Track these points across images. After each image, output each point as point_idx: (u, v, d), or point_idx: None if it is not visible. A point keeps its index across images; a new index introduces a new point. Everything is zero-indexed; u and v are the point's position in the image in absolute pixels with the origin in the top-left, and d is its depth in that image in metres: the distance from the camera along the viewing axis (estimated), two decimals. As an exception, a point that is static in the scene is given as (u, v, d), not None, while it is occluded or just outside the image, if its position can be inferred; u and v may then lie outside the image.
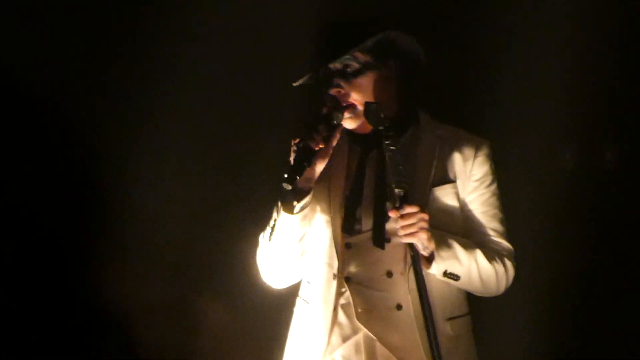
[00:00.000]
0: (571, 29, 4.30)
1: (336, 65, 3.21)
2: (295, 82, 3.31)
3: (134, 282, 4.51)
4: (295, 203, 3.19)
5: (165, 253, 4.53)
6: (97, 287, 4.47)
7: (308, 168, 3.13)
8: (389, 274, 3.24)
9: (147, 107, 4.43)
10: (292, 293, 3.45)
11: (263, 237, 3.29)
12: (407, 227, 3.07)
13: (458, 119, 3.46)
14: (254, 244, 3.35)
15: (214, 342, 4.55)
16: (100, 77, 4.44)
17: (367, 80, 3.21)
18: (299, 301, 3.41)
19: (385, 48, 3.23)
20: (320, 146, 3.15)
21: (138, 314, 4.50)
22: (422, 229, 3.07)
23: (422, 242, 3.11)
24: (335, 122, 3.18)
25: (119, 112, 4.47)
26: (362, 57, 3.21)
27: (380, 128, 3.10)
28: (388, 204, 3.18)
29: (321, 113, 3.20)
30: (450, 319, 3.25)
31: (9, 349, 4.39)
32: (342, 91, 3.21)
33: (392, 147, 3.08)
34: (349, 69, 3.21)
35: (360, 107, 3.19)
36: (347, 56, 3.19)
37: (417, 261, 3.10)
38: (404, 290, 3.21)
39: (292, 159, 3.20)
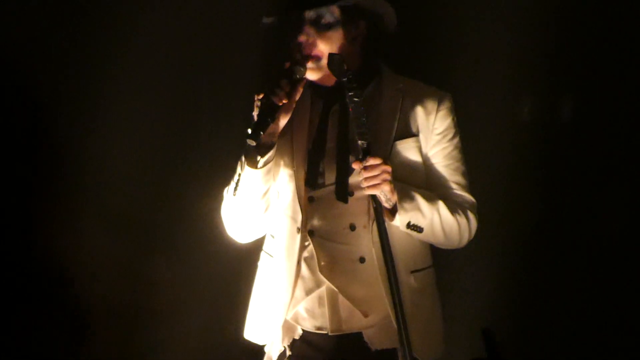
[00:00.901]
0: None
1: (310, 13, 3.19)
2: (266, 18, 3.28)
3: (86, 239, 4.48)
4: (258, 158, 3.19)
5: (120, 209, 4.50)
6: (46, 245, 4.44)
7: (272, 123, 3.12)
8: (352, 227, 3.25)
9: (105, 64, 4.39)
10: (255, 247, 3.46)
11: (227, 192, 3.28)
12: (370, 179, 3.08)
13: (415, 71, 3.47)
14: (218, 198, 3.34)
15: (172, 298, 4.54)
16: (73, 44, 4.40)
17: (336, 35, 3.21)
18: (263, 255, 3.42)
19: (361, 8, 3.23)
20: (284, 101, 3.14)
21: (90, 271, 4.48)
22: (385, 180, 3.09)
23: (385, 194, 3.12)
24: (297, 76, 3.16)
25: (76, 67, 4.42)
26: (338, 12, 3.20)
27: (344, 79, 3.10)
28: (351, 157, 3.19)
29: (283, 68, 3.18)
30: (414, 271, 3.28)
31: None
32: (310, 40, 3.20)
33: (355, 99, 3.08)
34: (321, 20, 3.20)
35: (325, 59, 3.18)
36: (324, 8, 3.18)
37: (380, 213, 3.12)
38: (367, 243, 3.23)
39: (255, 114, 3.18)
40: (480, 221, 3.31)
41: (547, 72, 4.41)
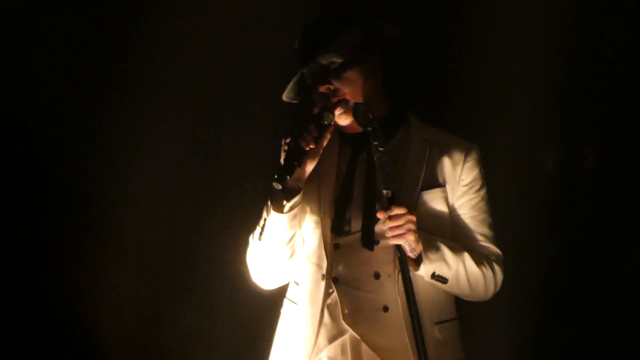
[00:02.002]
0: (552, 31, 4.31)
1: (321, 63, 3.19)
2: (283, 94, 3.28)
3: (106, 278, 4.48)
4: (285, 202, 3.18)
5: (142, 248, 4.50)
6: (65, 282, 4.44)
7: (298, 168, 3.12)
8: (377, 276, 3.23)
9: (130, 105, 4.40)
10: (278, 294, 3.46)
11: (253, 237, 3.28)
12: (395, 229, 3.07)
13: (441, 120, 3.47)
14: (244, 243, 3.34)
15: (193, 342, 4.53)
16: (91, 76, 4.40)
17: (354, 74, 3.20)
18: (286, 302, 3.40)
19: (366, 41, 3.23)
20: (311, 146, 3.14)
21: (110, 309, 4.47)
22: (410, 230, 3.08)
23: (410, 244, 3.11)
24: (325, 122, 3.17)
25: (102, 108, 4.44)
26: (344, 51, 3.19)
27: (369, 129, 3.10)
28: (377, 206, 3.17)
29: (312, 113, 3.18)
30: (438, 322, 3.26)
31: None
32: (332, 87, 3.19)
33: (380, 148, 3.09)
34: (333, 65, 3.19)
35: (352, 101, 3.19)
36: (329, 53, 3.18)
37: (405, 263, 3.11)
38: (391, 292, 3.21)
39: (282, 158, 3.18)
40: (506, 272, 3.30)
41: (570, 121, 4.40)
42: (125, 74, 4.41)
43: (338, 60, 3.19)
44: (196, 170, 4.49)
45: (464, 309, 3.39)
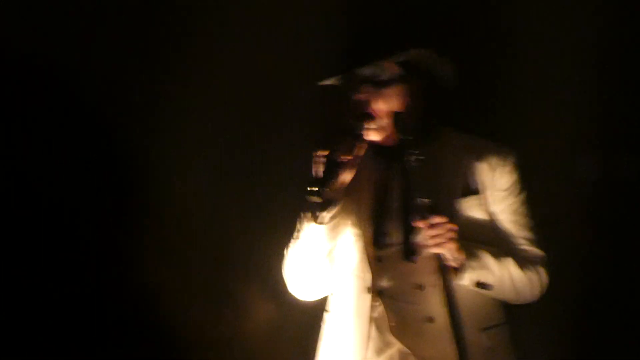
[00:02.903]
0: (591, 36, 4.28)
1: (365, 71, 3.20)
2: (321, 81, 3.29)
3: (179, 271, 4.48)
4: (324, 214, 3.18)
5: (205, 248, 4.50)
6: (138, 279, 4.44)
7: (336, 179, 3.12)
8: (421, 287, 3.23)
9: (180, 102, 4.41)
10: (317, 307, 3.45)
11: (291, 249, 3.28)
12: (435, 238, 3.06)
13: (482, 128, 3.46)
14: (281, 255, 3.34)
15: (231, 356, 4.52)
16: (135, 76, 4.42)
17: (394, 92, 3.20)
18: (329, 315, 3.40)
19: (417, 64, 3.23)
20: (348, 158, 3.14)
21: (178, 307, 4.46)
22: (450, 239, 3.07)
23: (452, 253, 3.10)
24: (361, 132, 3.17)
25: (156, 108, 4.44)
26: (393, 68, 3.20)
27: (408, 138, 3.11)
28: (417, 216, 3.16)
29: (347, 124, 3.19)
30: (485, 329, 3.24)
31: (55, 338, 4.38)
32: (369, 99, 3.20)
33: (419, 157, 3.08)
34: (377, 78, 3.20)
35: (386, 119, 3.19)
36: (378, 65, 3.19)
37: (447, 272, 3.10)
38: (435, 302, 3.20)
39: (319, 170, 3.18)
40: (553, 275, 3.29)
41: (608, 128, 4.37)
42: (173, 80, 4.43)
43: (383, 74, 3.20)
44: (242, 178, 4.49)
45: (514, 313, 3.38)
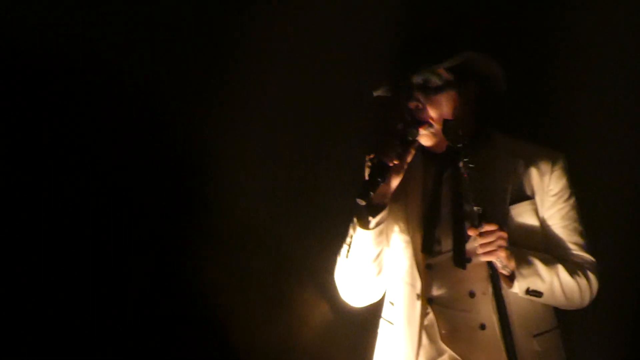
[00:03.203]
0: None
1: (417, 79, 3.20)
2: (375, 91, 3.30)
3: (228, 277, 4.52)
4: (370, 218, 3.19)
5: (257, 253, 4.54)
6: (196, 283, 4.49)
7: (383, 184, 3.13)
8: (472, 294, 3.23)
9: (233, 110, 4.45)
10: (373, 314, 3.45)
11: (340, 255, 3.30)
12: (486, 246, 3.06)
13: (532, 131, 3.43)
14: (333, 262, 3.36)
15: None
16: (191, 85, 4.47)
17: (445, 98, 3.20)
18: (382, 322, 3.41)
19: (468, 69, 3.22)
20: (395, 162, 3.15)
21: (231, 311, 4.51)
22: (501, 247, 3.06)
23: (502, 261, 3.10)
24: (410, 138, 3.17)
25: (210, 116, 4.48)
26: (444, 74, 3.20)
27: (459, 146, 3.10)
28: (467, 223, 3.16)
29: (396, 128, 3.19)
30: (536, 335, 3.23)
31: (110, 336, 4.45)
32: (420, 106, 3.20)
33: (470, 165, 3.07)
34: (429, 84, 3.20)
35: (437, 125, 3.19)
36: (430, 71, 3.19)
37: (497, 280, 3.10)
38: (487, 309, 3.20)
39: (366, 174, 3.20)
40: (604, 279, 3.26)
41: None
42: (227, 85, 4.47)
43: (434, 81, 3.20)
44: (302, 184, 4.51)
45: (565, 318, 3.36)
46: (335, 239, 3.40)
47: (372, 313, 3.48)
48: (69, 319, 4.37)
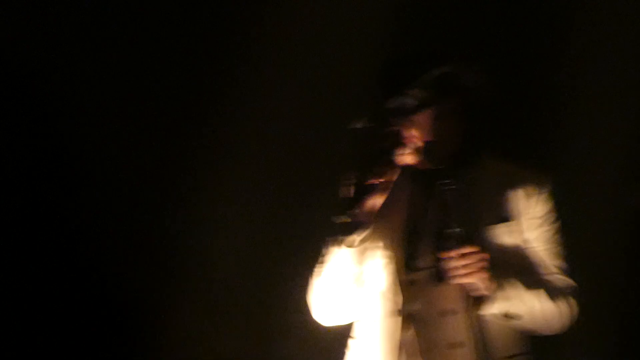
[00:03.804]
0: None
1: (392, 103, 3.18)
2: (355, 123, 3.27)
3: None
4: (353, 237, 3.18)
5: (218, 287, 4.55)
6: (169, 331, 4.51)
7: (366, 202, 3.12)
8: (452, 312, 3.22)
9: (210, 149, 4.47)
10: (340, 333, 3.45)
11: (316, 274, 3.29)
12: (467, 267, 3.06)
13: (520, 153, 3.43)
14: (304, 281, 3.34)
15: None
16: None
17: (425, 117, 3.19)
18: (353, 342, 3.38)
19: (446, 83, 3.21)
20: (380, 180, 3.14)
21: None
22: (481, 268, 3.06)
23: (483, 282, 3.09)
24: (393, 156, 3.17)
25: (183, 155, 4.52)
26: (421, 93, 3.19)
27: (440, 167, 3.09)
28: (450, 243, 3.15)
29: (380, 147, 3.18)
30: (509, 357, 3.22)
31: None
32: (401, 129, 3.20)
33: (452, 186, 3.07)
34: (406, 106, 3.19)
35: (420, 144, 3.19)
36: (406, 93, 3.17)
37: (478, 302, 3.09)
38: (465, 327, 3.19)
39: (349, 192, 3.19)
40: (586, 306, 3.25)
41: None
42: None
43: (412, 102, 3.19)
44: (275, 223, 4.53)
45: (540, 342, 3.34)
46: (308, 258, 3.39)
47: (343, 332, 3.45)
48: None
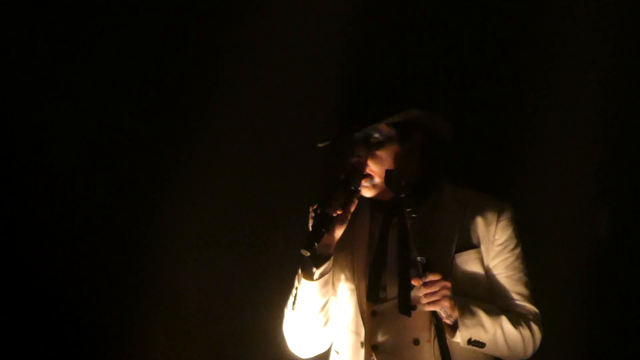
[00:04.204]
0: (602, 86, 4.25)
1: (358, 134, 3.21)
2: (320, 143, 3.28)
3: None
4: (314, 269, 3.19)
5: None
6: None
7: (326, 234, 3.13)
8: (416, 342, 3.21)
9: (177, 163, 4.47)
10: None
11: (287, 307, 3.29)
12: (430, 296, 3.05)
13: (480, 179, 3.43)
14: (279, 315, 3.35)
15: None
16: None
17: (388, 153, 3.21)
18: None
19: (411, 123, 3.23)
20: (338, 212, 3.15)
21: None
22: (444, 296, 3.06)
23: (446, 310, 3.10)
24: (352, 187, 3.18)
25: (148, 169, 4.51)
26: (386, 130, 3.21)
27: (401, 196, 3.10)
28: (412, 271, 3.15)
29: (339, 179, 3.20)
30: None
31: None
32: (362, 161, 3.21)
33: (413, 215, 3.07)
34: (371, 139, 3.21)
35: (378, 179, 3.20)
36: (371, 127, 3.19)
37: (441, 330, 3.09)
38: (430, 357, 3.19)
39: (310, 225, 3.20)
40: (554, 332, 3.25)
41: (625, 183, 4.31)
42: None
43: (376, 136, 3.21)
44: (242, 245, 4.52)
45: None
46: (284, 290, 3.39)
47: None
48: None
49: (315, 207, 3.18)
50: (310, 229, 3.15)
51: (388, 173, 3.16)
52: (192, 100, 4.43)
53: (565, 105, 4.27)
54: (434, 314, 3.08)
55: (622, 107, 4.26)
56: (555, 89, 4.25)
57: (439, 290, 3.04)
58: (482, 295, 3.23)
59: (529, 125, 4.27)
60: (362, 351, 3.23)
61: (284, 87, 4.32)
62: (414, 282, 3.08)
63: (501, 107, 4.26)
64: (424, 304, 3.05)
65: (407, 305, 3.17)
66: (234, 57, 4.38)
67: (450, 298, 3.07)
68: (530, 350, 3.23)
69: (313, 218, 3.17)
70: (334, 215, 3.14)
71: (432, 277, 3.04)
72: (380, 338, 3.24)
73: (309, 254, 3.10)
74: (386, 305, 3.23)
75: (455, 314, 3.10)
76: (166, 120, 4.46)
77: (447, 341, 3.09)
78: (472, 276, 3.24)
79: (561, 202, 4.25)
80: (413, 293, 3.16)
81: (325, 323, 3.30)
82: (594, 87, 4.23)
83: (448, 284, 3.06)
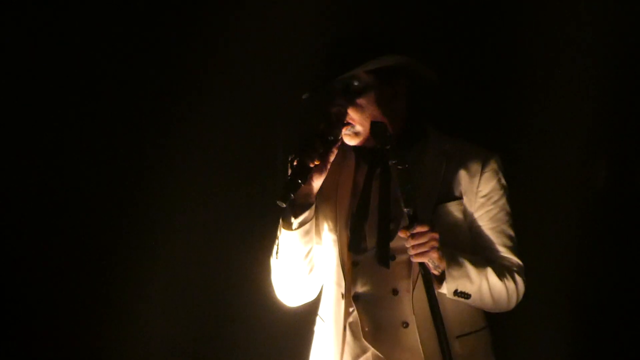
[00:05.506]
0: (605, 41, 4.18)
1: (337, 83, 3.16)
2: (303, 95, 3.24)
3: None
4: (292, 219, 3.16)
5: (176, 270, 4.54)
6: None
7: (304, 184, 3.08)
8: (395, 292, 3.19)
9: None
10: (311, 311, 3.44)
11: (272, 256, 3.27)
12: (418, 247, 3.01)
13: (469, 127, 3.37)
14: (268, 264, 3.33)
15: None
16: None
17: (368, 100, 3.16)
18: (317, 320, 3.39)
19: (392, 70, 3.17)
20: (316, 162, 3.11)
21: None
22: (433, 247, 3.02)
23: (434, 261, 3.05)
24: (331, 137, 3.13)
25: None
26: (365, 77, 3.16)
27: (387, 147, 3.05)
28: (398, 222, 3.13)
29: (317, 129, 3.15)
30: (459, 336, 3.19)
31: None
32: (342, 110, 3.16)
33: (399, 167, 3.03)
34: (350, 88, 3.16)
35: (360, 127, 3.16)
36: (350, 75, 3.14)
37: (429, 281, 3.05)
38: (409, 307, 3.17)
39: (287, 175, 3.15)
40: (548, 284, 3.22)
41: (623, 137, 4.25)
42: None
43: (355, 84, 3.16)
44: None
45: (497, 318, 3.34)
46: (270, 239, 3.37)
47: (312, 310, 3.44)
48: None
49: (293, 156, 3.15)
50: (288, 179, 3.11)
51: (373, 124, 3.12)
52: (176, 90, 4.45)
53: (562, 49, 4.21)
54: (422, 265, 3.04)
55: (621, 54, 4.19)
56: (553, 32, 4.18)
57: (428, 241, 3.00)
58: (465, 246, 3.20)
59: (522, 70, 4.21)
60: (343, 302, 3.22)
61: (266, 74, 4.32)
62: (402, 234, 3.03)
63: (494, 53, 4.20)
64: (413, 256, 3.02)
65: (385, 256, 3.15)
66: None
67: (439, 249, 3.03)
68: (513, 303, 3.21)
69: (290, 168, 3.13)
70: (312, 165, 3.10)
71: (420, 229, 3.00)
72: (360, 289, 3.22)
73: (284, 205, 3.06)
74: (367, 255, 3.21)
75: (443, 264, 3.07)
76: (149, 112, 4.51)
77: (431, 292, 3.05)
78: (456, 227, 3.20)
79: (555, 151, 4.21)
80: (393, 243, 3.14)
81: (310, 271, 3.27)
82: (594, 31, 4.17)
83: (436, 235, 3.02)
